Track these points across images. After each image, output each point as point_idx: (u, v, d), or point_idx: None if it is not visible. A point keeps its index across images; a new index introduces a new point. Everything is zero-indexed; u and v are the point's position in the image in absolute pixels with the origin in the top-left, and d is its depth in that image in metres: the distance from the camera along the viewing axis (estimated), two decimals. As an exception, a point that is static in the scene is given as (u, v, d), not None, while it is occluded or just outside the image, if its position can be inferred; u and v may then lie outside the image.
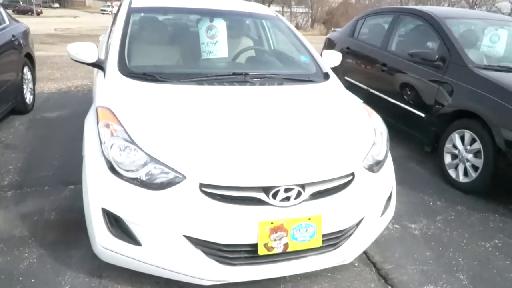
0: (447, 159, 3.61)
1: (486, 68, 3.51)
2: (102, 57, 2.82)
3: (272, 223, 1.82)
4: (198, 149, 1.89)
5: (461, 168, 3.47)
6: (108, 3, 41.61)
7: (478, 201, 3.31)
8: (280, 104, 2.37)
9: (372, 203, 2.10)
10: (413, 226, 2.89)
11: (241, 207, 1.81)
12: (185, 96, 2.28)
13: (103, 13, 46.24)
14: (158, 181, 1.83)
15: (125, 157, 1.89)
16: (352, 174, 2.04)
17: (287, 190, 1.85)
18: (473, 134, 3.34)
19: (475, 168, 3.34)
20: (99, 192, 1.91)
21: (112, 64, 2.52)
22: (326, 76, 2.82)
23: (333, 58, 3.15)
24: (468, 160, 3.39)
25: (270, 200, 1.83)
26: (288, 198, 1.85)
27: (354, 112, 2.44)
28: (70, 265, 2.26)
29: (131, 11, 2.98)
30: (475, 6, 46.87)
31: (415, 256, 2.52)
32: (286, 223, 1.84)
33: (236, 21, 3.34)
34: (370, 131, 2.28)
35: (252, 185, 1.83)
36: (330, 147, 2.08)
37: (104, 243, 1.92)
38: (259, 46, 3.32)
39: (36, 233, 2.53)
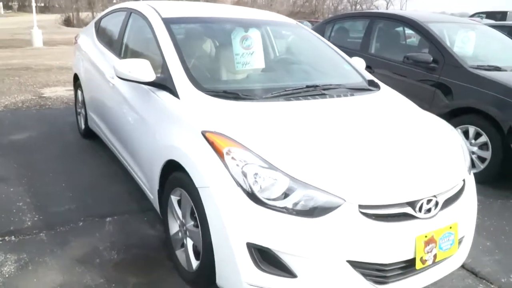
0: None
1: (478, 68, 3.92)
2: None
3: (426, 236, 1.84)
4: (346, 169, 1.83)
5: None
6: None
7: (488, 190, 3.64)
8: (373, 116, 2.38)
9: (475, 203, 2.24)
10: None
11: (397, 224, 1.80)
12: (288, 113, 2.17)
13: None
14: (312, 206, 1.74)
15: (267, 184, 1.76)
16: (463, 180, 2.16)
17: (428, 202, 1.89)
18: (477, 129, 3.72)
19: (481, 159, 3.72)
20: (243, 226, 1.75)
21: (184, 82, 2.30)
22: (373, 84, 2.90)
23: (360, 64, 3.24)
24: (474, 153, 3.76)
25: (417, 213, 1.86)
26: (429, 210, 1.90)
27: (434, 119, 2.55)
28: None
29: (167, 22, 2.73)
30: (357, 5, 51.48)
31: (480, 248, 2.73)
32: (435, 234, 1.88)
33: (265, 31, 3.26)
34: (455, 135, 2.42)
35: (401, 201, 1.83)
36: (442, 156, 2.16)
37: (252, 280, 1.76)
38: (292, 56, 3.27)
39: (111, 278, 2.21)
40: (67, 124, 4.78)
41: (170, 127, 2.24)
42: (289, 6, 46.57)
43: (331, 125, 2.15)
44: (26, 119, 4.94)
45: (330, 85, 2.62)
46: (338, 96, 2.49)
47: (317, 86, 2.54)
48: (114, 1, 42.08)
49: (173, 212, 2.27)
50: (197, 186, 1.92)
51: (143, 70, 2.39)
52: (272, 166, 1.79)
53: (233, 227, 1.76)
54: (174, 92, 2.31)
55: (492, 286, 2.37)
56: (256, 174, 1.78)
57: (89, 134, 4.17)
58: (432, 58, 4.07)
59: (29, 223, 2.68)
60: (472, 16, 16.89)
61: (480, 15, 17.42)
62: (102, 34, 3.84)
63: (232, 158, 1.84)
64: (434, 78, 4.08)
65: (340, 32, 5.57)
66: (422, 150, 2.14)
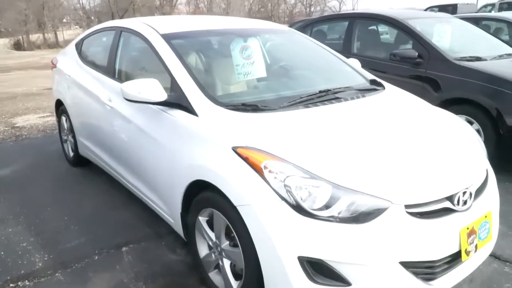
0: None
1: (462, 59, 4.06)
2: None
3: (467, 228, 1.87)
4: (386, 171, 1.83)
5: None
6: None
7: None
8: (393, 116, 2.39)
9: (497, 190, 2.30)
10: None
11: (441, 220, 1.81)
12: (312, 120, 2.14)
13: None
14: (360, 212, 1.72)
15: (311, 194, 1.73)
16: (486, 170, 2.21)
17: (463, 194, 1.92)
18: (469, 118, 3.84)
19: (475, 146, 3.85)
20: (292, 240, 1.70)
21: (200, 99, 2.23)
22: (376, 83, 2.93)
23: (358, 65, 3.27)
24: (467, 140, 3.88)
25: (455, 206, 1.88)
26: (465, 202, 1.93)
27: (446, 113, 2.60)
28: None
29: (167, 38, 2.65)
30: (311, 7, 52.67)
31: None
32: (475, 225, 1.91)
33: (262, 39, 3.23)
34: (469, 127, 2.48)
35: (441, 197, 1.84)
36: (468, 147, 2.21)
37: (307, 294, 1.72)
38: (292, 62, 3.25)
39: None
40: (51, 153, 4.56)
41: (192, 146, 2.16)
42: (246, 13, 46.97)
43: (357, 128, 2.14)
44: (6, 153, 4.67)
45: (340, 88, 2.62)
46: (352, 98, 2.50)
47: (328, 90, 2.53)
48: (64, 20, 41.04)
49: (203, 233, 2.19)
50: (235, 204, 1.85)
51: (154, 90, 2.30)
52: (313, 176, 1.76)
53: (282, 242, 1.71)
54: (190, 110, 2.24)
55: (517, 268, 2.44)
56: (298, 185, 1.75)
57: (79, 162, 4.00)
58: (417, 54, 4.18)
59: (40, 264, 2.52)
60: (426, 10, 17.59)
61: (433, 8, 18.20)
62: (88, 56, 3.69)
63: (270, 171, 1.79)
64: (421, 73, 4.19)
65: (320, 35, 5.63)
66: (447, 145, 2.17)
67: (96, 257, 2.59)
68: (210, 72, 2.66)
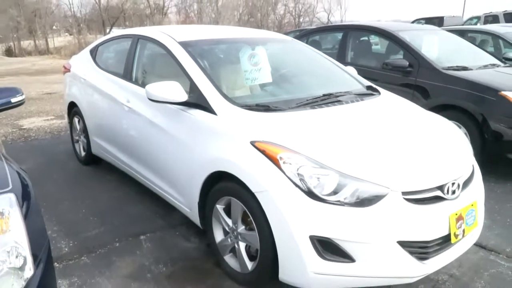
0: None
1: (449, 69, 4.39)
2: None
3: (456, 214, 2.14)
4: (385, 162, 2.10)
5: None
6: None
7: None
8: (389, 117, 2.67)
9: (482, 184, 2.58)
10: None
11: (433, 206, 2.08)
12: (319, 119, 2.41)
13: None
14: (363, 197, 1.98)
15: (321, 182, 1.99)
16: (473, 165, 2.50)
17: (452, 185, 2.19)
18: (456, 123, 4.14)
19: (462, 149, 4.15)
20: (304, 221, 1.96)
21: (218, 100, 2.49)
22: (372, 88, 3.21)
23: (355, 73, 3.57)
24: (454, 144, 4.19)
25: (445, 195, 2.15)
26: (453, 192, 2.20)
27: (435, 116, 2.88)
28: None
29: (185, 45, 2.91)
30: (300, 17, 53.41)
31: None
32: (463, 212, 2.18)
33: (268, 48, 3.50)
34: (456, 128, 2.77)
35: (433, 186, 2.12)
36: (456, 145, 2.50)
37: (317, 269, 1.97)
38: (296, 69, 3.51)
39: (169, 289, 2.33)
40: (61, 153, 4.76)
41: (211, 141, 2.42)
42: (235, 23, 47.45)
43: (358, 126, 2.42)
44: (18, 152, 4.84)
45: (340, 92, 2.90)
46: (352, 101, 2.77)
47: (331, 94, 2.81)
48: (54, 27, 41.06)
49: (220, 220, 2.43)
50: (253, 191, 2.11)
51: (176, 91, 2.55)
52: (323, 165, 2.02)
53: (296, 223, 1.97)
54: (209, 109, 2.49)
55: (500, 255, 2.72)
56: (310, 174, 2.01)
57: (91, 161, 4.21)
58: (408, 63, 4.50)
59: (66, 249, 2.73)
60: (413, 22, 18.15)
61: (420, 21, 18.75)
62: (103, 61, 3.93)
63: (285, 162, 2.05)
64: (411, 81, 4.51)
65: (315, 45, 5.93)
66: (438, 142, 2.46)
67: (117, 244, 2.81)
68: (223, 76, 2.91)
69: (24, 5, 34.38)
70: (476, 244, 2.80)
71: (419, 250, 2.07)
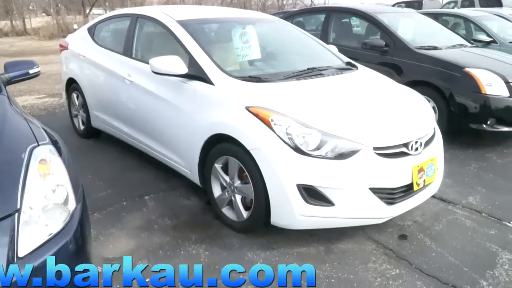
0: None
1: (421, 48, 4.80)
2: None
3: (418, 166, 2.56)
4: (359, 123, 2.50)
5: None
6: None
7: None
8: (364, 87, 3.07)
9: (442, 145, 3.00)
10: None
11: (399, 159, 2.49)
12: (304, 89, 2.79)
13: None
14: (341, 152, 2.37)
15: (306, 139, 2.37)
16: (434, 128, 2.91)
17: (415, 143, 2.60)
18: (427, 97, 4.56)
19: (431, 121, 4.60)
20: (292, 172, 2.34)
21: (216, 72, 2.83)
22: (351, 64, 3.59)
23: (336, 50, 3.93)
24: (425, 117, 4.63)
25: (410, 151, 2.56)
26: (416, 149, 2.61)
27: (405, 87, 3.28)
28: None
29: (183, 24, 3.22)
30: (283, 0, 53.30)
31: (443, 184, 3.52)
32: (424, 165, 2.60)
33: (257, 27, 3.83)
34: (422, 97, 3.18)
35: (399, 143, 2.52)
36: (420, 111, 2.91)
37: (303, 211, 2.37)
38: (283, 46, 3.86)
39: (175, 236, 2.69)
40: (59, 128, 4.94)
41: (210, 108, 2.76)
42: (218, 4, 47.10)
43: (338, 94, 2.81)
44: None
45: (323, 67, 3.28)
46: (333, 74, 3.16)
47: (314, 68, 3.18)
48: (30, 7, 40.03)
49: (218, 177, 2.80)
50: (248, 148, 2.47)
51: (177, 64, 2.87)
52: (308, 126, 2.40)
53: (285, 174, 2.35)
54: (207, 80, 2.82)
55: (457, 205, 3.17)
56: (297, 133, 2.38)
57: (90, 134, 4.50)
58: (384, 43, 4.89)
59: (79, 208, 3.05)
60: (394, 5, 18.59)
61: (400, 4, 19.21)
62: (102, 39, 4.19)
63: (275, 124, 2.42)
64: (387, 59, 4.91)
65: (299, 25, 6.24)
66: (406, 108, 2.87)
67: (124, 203, 3.15)
68: (218, 51, 3.24)
69: (-1, -16, 33.37)
70: (437, 198, 3.25)
71: (387, 196, 2.49)
